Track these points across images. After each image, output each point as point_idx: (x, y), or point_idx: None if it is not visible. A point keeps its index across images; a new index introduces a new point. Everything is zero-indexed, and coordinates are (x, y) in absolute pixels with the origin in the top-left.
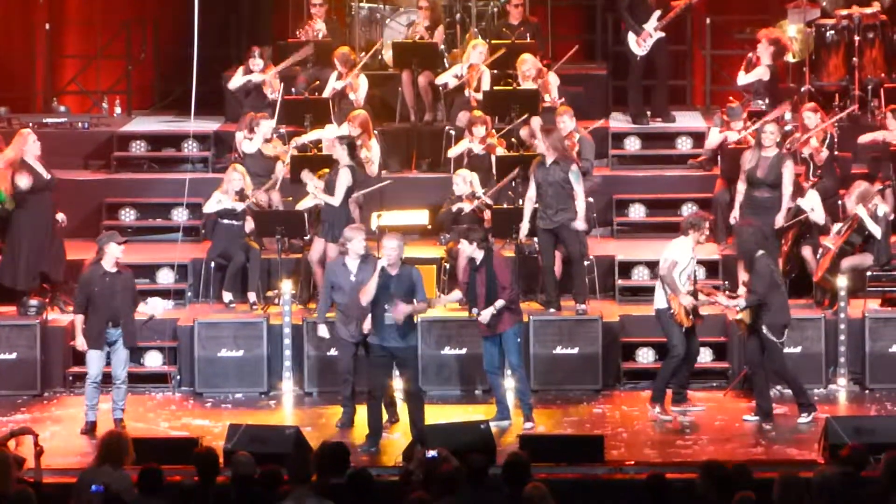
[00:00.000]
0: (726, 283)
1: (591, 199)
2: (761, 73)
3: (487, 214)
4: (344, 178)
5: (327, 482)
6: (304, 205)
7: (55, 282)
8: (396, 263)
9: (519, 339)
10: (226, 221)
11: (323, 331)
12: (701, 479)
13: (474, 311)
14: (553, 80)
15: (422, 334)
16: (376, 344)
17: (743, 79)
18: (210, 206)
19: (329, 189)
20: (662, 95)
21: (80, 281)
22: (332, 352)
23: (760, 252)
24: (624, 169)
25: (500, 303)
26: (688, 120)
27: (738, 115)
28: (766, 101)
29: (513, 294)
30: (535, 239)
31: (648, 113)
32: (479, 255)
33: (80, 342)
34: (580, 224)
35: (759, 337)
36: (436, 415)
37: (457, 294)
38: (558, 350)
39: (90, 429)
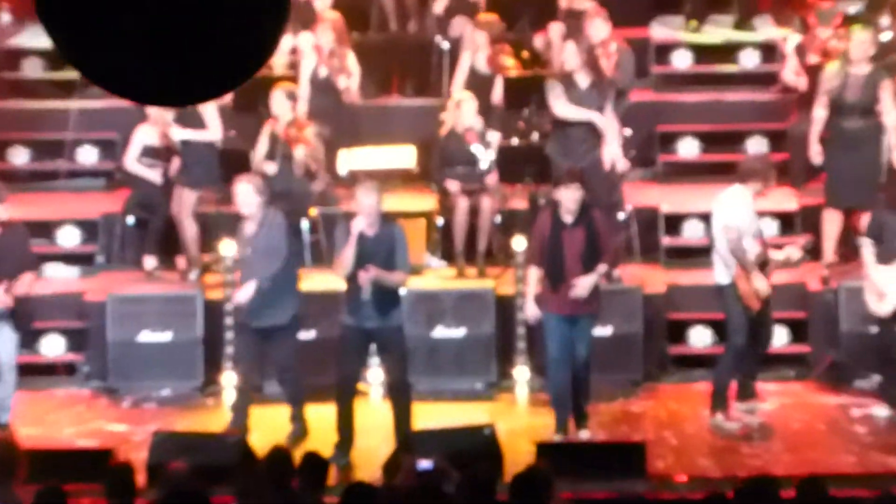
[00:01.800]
0: (806, 241)
1: (627, 132)
2: None
3: (491, 154)
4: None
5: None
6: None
7: None
8: (375, 222)
9: None
10: (148, 160)
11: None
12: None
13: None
14: None
15: (408, 311)
16: (352, 325)
17: None
18: (132, 153)
19: (194, 119)
20: None
21: None
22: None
23: None
24: (671, 91)
25: (603, 267)
26: (755, 26)
27: (829, 20)
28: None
29: (616, 256)
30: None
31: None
32: (576, 207)
33: None
34: (618, 160)
35: None
36: (426, 415)
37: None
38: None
39: None
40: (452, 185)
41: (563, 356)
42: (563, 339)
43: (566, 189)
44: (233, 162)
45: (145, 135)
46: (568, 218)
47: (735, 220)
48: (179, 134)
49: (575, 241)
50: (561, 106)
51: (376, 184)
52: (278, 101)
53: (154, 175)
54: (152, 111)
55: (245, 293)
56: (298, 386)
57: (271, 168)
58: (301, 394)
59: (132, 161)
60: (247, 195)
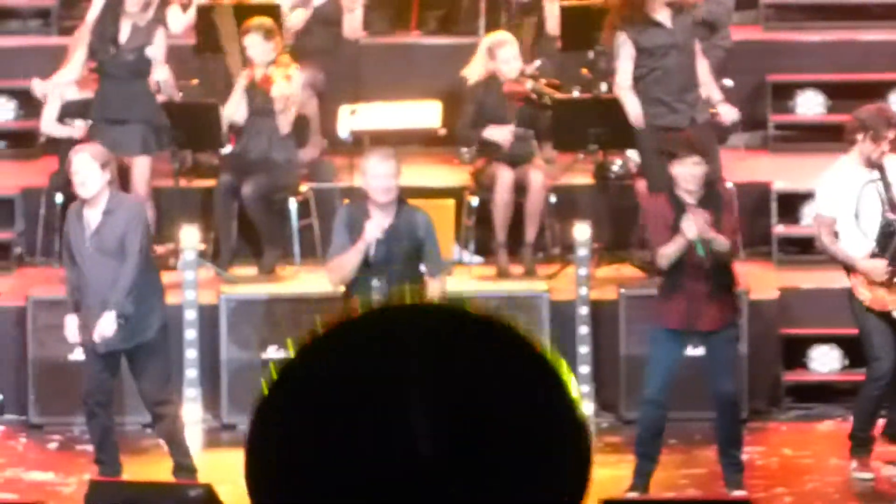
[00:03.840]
0: None
1: (727, 83)
2: None
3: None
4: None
5: None
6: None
7: None
8: (391, 204)
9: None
10: (79, 124)
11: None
12: None
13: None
14: None
15: None
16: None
17: None
18: (51, 102)
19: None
20: None
21: None
22: (260, 353)
23: None
24: (786, 28)
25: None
26: None
27: None
28: None
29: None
30: (630, 154)
31: None
32: (698, 186)
33: None
34: (727, 110)
35: None
36: None
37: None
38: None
39: None
40: (489, 150)
41: (665, 385)
42: (670, 364)
43: (682, 164)
44: (198, 119)
45: (67, 86)
46: (689, 199)
47: (829, 206)
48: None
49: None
50: (624, 79)
51: (390, 151)
52: (253, 42)
53: (75, 131)
54: (77, 53)
55: (108, 325)
56: (179, 421)
57: (240, 112)
58: (182, 431)
59: (50, 121)
60: (85, 168)
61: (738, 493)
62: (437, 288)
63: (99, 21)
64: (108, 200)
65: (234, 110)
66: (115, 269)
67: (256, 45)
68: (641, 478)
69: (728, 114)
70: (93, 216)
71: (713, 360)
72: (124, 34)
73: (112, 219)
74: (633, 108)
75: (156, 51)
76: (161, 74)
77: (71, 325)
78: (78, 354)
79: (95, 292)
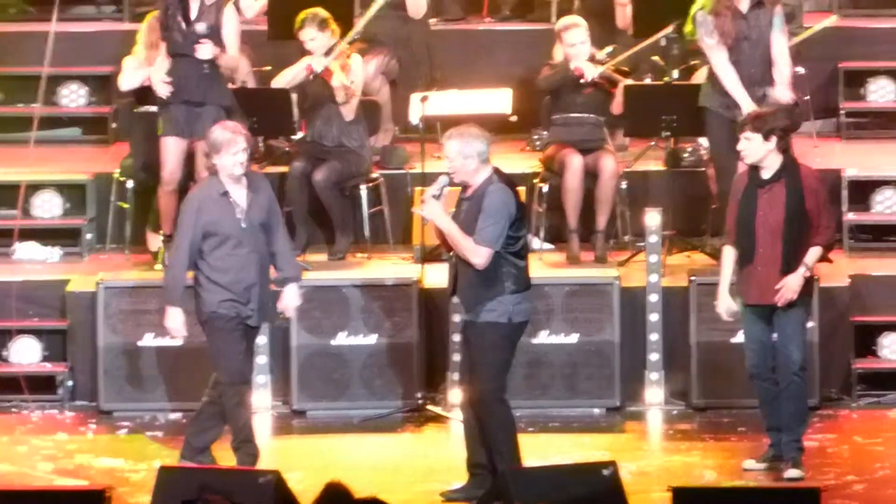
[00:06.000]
0: None
1: (799, 70)
2: None
3: (619, 96)
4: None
5: None
6: (288, 78)
7: None
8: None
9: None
10: (154, 109)
11: (178, 319)
12: None
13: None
14: None
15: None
16: (462, 319)
17: None
18: (128, 81)
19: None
20: None
21: None
22: (330, 340)
23: None
24: (858, 16)
25: (815, 254)
26: None
27: None
28: None
29: (831, 235)
30: (701, 141)
31: None
32: (774, 162)
33: None
34: (782, 91)
35: None
36: (526, 449)
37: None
38: (739, 338)
39: None
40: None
41: (760, 363)
42: (756, 343)
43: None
44: (270, 106)
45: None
46: (765, 174)
47: None
48: (163, 90)
49: (772, 206)
50: (717, 58)
51: (480, 129)
52: (309, 35)
53: (164, 89)
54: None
55: (296, 295)
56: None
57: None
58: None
59: (128, 77)
60: (248, 148)
61: (793, 473)
62: (467, 245)
63: (167, 3)
64: (248, 178)
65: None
66: (264, 243)
67: (313, 39)
68: (769, 448)
69: (781, 94)
70: (240, 194)
71: (780, 333)
72: (193, 12)
73: (258, 195)
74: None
75: (228, 30)
76: (230, 59)
77: (179, 318)
78: (148, 341)
79: (258, 268)
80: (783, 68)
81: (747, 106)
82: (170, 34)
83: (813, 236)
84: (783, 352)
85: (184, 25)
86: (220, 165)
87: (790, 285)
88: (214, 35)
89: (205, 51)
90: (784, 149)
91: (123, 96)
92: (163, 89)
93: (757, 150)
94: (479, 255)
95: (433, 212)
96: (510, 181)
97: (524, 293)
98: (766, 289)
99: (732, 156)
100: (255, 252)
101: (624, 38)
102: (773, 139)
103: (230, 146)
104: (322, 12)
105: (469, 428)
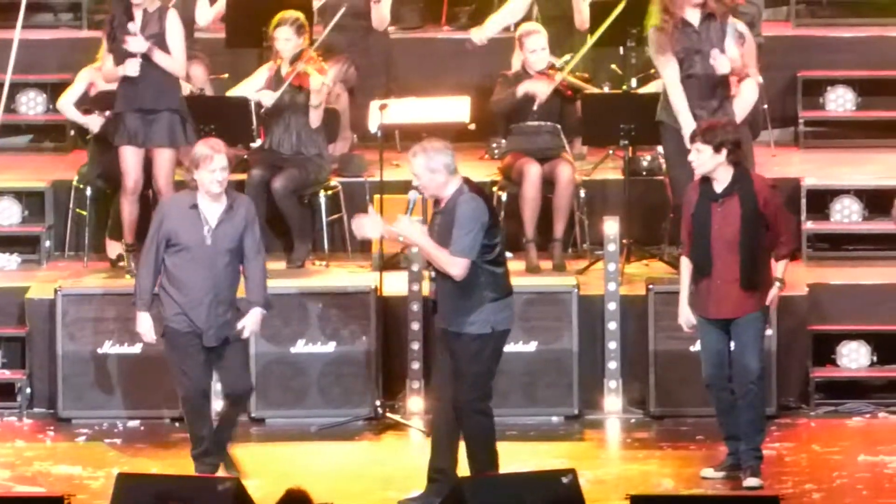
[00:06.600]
0: None
1: (757, 79)
2: None
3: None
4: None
5: None
6: (246, 90)
7: None
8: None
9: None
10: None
11: (145, 324)
12: None
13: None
14: None
15: None
16: (440, 327)
17: None
18: (70, 95)
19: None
20: None
21: None
22: (289, 348)
23: None
24: (816, 25)
25: (784, 264)
26: None
27: None
28: None
29: (796, 243)
30: (660, 149)
31: None
32: (726, 175)
33: None
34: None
35: None
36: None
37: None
38: (698, 346)
39: None
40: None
41: (717, 373)
42: (713, 353)
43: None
44: (228, 114)
45: (96, 76)
46: (718, 187)
47: None
48: (132, 68)
49: (727, 219)
50: (665, 75)
51: (443, 141)
52: (283, 35)
53: (93, 122)
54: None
55: (257, 320)
56: None
57: (268, 96)
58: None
59: (68, 104)
60: (226, 166)
61: (752, 482)
62: (443, 258)
63: (113, 10)
64: (226, 197)
65: (258, 92)
66: (229, 267)
67: (287, 39)
68: (728, 457)
69: (720, 62)
70: (213, 211)
71: (737, 342)
72: (137, 21)
73: (233, 215)
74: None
75: (171, 36)
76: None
77: (146, 323)
78: (107, 348)
79: (208, 286)
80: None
81: (688, 126)
82: (117, 45)
83: (778, 248)
84: (740, 361)
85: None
86: (198, 181)
87: (773, 302)
88: (160, 42)
89: (135, 43)
90: (735, 161)
91: (84, 103)
92: (133, 67)
93: (707, 163)
94: (456, 266)
95: (406, 229)
96: (480, 190)
97: (505, 300)
98: (724, 303)
99: (688, 170)
100: (212, 272)
101: (582, 41)
102: (724, 151)
103: (207, 163)
104: (301, 16)
105: (437, 432)
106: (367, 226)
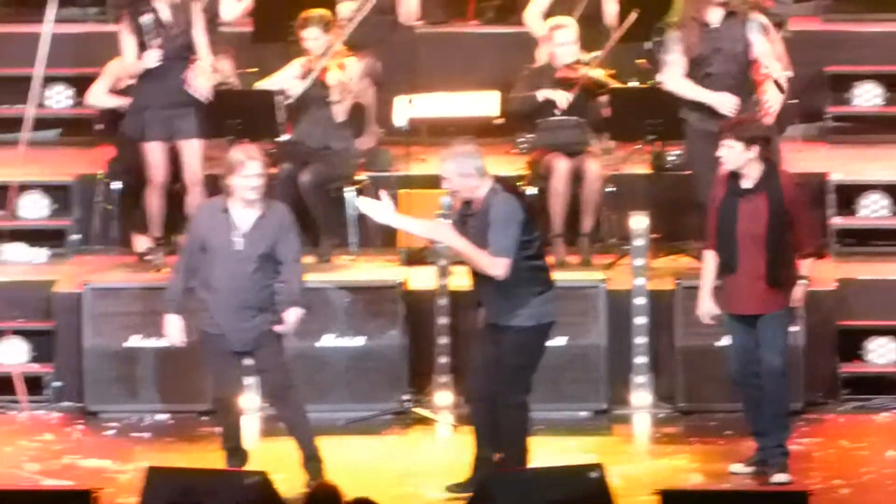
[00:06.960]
0: None
1: (787, 74)
2: None
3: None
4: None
5: None
6: (276, 82)
7: None
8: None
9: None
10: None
11: (173, 327)
12: None
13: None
14: None
15: None
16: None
17: None
18: (99, 86)
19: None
20: None
21: None
22: (314, 342)
23: None
24: (844, 20)
25: (809, 263)
26: None
27: None
28: None
29: (819, 242)
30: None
31: None
32: (755, 171)
33: None
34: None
35: None
36: None
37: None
38: (725, 342)
39: None
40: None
41: (743, 369)
42: (739, 349)
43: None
44: (255, 108)
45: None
46: (746, 183)
47: None
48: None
49: (754, 215)
50: (669, 75)
51: (471, 143)
52: (312, 35)
53: (125, 102)
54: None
55: (295, 323)
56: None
57: (297, 85)
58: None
59: (99, 94)
60: (263, 173)
61: (780, 477)
62: (483, 260)
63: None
64: (262, 204)
65: (288, 84)
66: (258, 272)
67: (316, 39)
68: (756, 452)
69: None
70: (245, 217)
71: (761, 339)
72: (164, 16)
73: (266, 223)
74: (695, 93)
75: (198, 30)
76: (204, 60)
77: (175, 325)
78: (134, 342)
79: (234, 291)
80: (768, 61)
81: (711, 97)
82: (146, 42)
83: (800, 249)
84: (764, 357)
85: (157, 31)
86: (233, 186)
87: (800, 301)
88: (186, 35)
89: (150, 58)
90: (765, 157)
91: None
92: (153, 58)
93: (737, 159)
94: (497, 267)
95: (441, 234)
96: (513, 187)
97: (549, 293)
98: (750, 299)
99: (710, 168)
100: (238, 277)
101: (608, 38)
102: (755, 148)
103: (242, 169)
104: (327, 14)
105: (478, 429)
106: (375, 209)
